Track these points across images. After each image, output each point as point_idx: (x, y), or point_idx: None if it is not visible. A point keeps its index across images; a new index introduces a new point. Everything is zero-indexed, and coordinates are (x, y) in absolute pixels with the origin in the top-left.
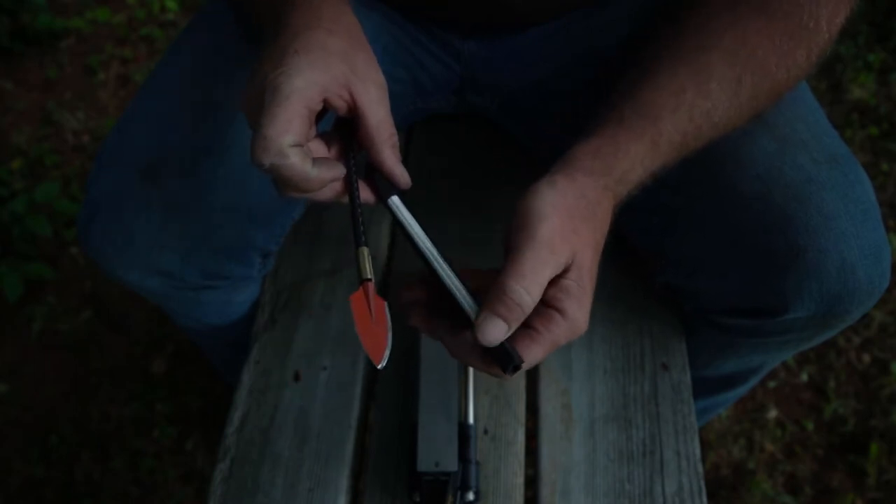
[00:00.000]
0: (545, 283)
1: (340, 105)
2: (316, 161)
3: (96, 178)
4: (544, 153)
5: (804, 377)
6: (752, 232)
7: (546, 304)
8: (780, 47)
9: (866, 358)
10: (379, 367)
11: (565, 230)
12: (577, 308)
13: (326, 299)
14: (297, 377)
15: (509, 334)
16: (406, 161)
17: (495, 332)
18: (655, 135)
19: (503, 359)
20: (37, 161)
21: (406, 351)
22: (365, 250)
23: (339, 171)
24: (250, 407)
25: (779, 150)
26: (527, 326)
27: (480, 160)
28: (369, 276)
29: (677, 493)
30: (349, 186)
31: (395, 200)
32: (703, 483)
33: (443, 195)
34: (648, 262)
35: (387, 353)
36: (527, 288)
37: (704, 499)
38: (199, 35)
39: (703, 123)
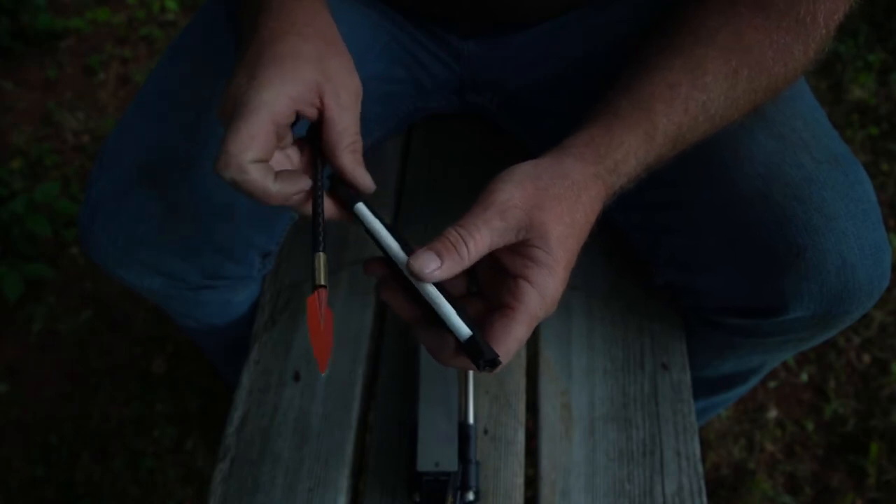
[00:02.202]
0: (488, 241)
1: (312, 113)
2: (280, 175)
3: (97, 179)
4: (544, 153)
5: (804, 377)
6: (752, 231)
7: (514, 276)
8: (777, 42)
9: (866, 358)
10: (322, 374)
11: (525, 202)
12: (548, 276)
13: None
14: (297, 377)
15: (443, 275)
16: (406, 161)
17: (427, 261)
18: (650, 126)
19: (474, 353)
20: (37, 161)
21: (406, 351)
22: (322, 256)
23: (304, 184)
24: (250, 407)
25: (779, 148)
26: (501, 306)
27: (480, 160)
28: (323, 283)
29: (677, 493)
30: (314, 191)
31: (360, 207)
32: (703, 483)
33: (442, 195)
34: (648, 261)
35: (329, 361)
36: (466, 230)
37: (704, 499)
38: (199, 35)
39: (698, 115)
